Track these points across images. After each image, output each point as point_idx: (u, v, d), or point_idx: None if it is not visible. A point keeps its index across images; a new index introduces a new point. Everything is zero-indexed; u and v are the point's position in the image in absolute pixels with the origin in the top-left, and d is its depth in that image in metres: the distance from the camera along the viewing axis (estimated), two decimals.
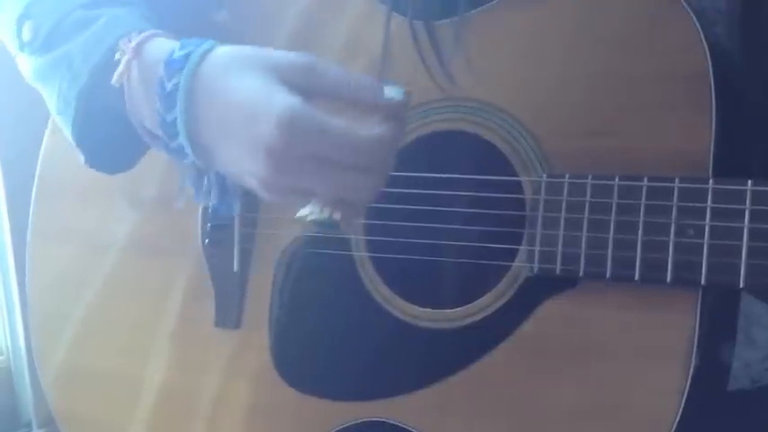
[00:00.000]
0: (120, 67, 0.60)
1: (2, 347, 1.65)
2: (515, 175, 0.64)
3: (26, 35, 0.69)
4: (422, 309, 0.68)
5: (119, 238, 0.82)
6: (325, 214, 0.55)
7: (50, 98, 0.67)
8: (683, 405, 0.57)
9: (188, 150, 0.58)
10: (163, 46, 0.60)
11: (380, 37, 0.66)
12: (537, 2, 0.64)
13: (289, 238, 0.72)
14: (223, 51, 0.58)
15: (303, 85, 0.55)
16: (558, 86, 0.63)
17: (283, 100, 0.54)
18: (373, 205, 0.65)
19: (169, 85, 0.57)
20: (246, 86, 0.55)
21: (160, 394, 0.80)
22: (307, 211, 0.56)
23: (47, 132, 0.85)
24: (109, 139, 0.65)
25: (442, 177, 0.67)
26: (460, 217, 0.67)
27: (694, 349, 0.57)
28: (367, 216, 0.69)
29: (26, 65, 0.69)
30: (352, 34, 0.70)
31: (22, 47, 0.69)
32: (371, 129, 0.54)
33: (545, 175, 0.62)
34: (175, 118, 0.57)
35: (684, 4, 0.60)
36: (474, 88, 0.66)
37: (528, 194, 0.63)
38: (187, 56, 0.57)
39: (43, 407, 1.59)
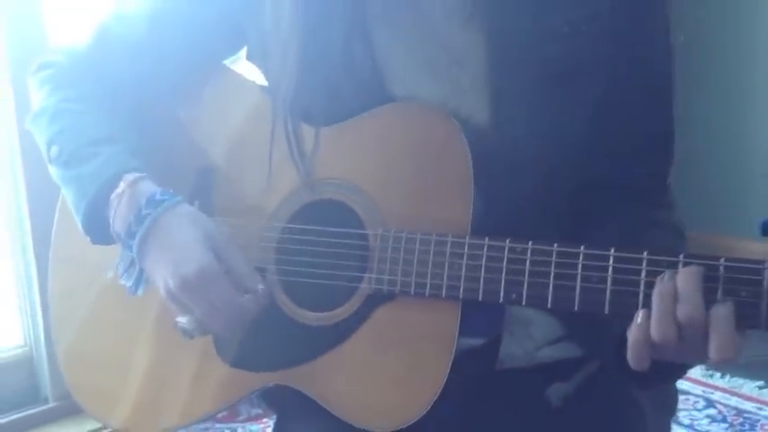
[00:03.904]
0: (119, 189, 0.94)
1: (25, 340, 1.99)
2: (365, 229, 0.94)
3: (53, 154, 1.01)
4: (310, 312, 0.96)
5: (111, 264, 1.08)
6: (191, 326, 0.93)
7: (68, 199, 1.01)
8: (447, 373, 0.86)
9: (135, 251, 0.93)
10: (150, 187, 0.94)
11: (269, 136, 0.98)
12: (367, 121, 0.94)
13: None
14: (185, 208, 0.94)
15: (217, 251, 0.92)
16: (383, 175, 0.92)
17: (206, 256, 0.91)
18: (284, 246, 0.98)
19: (144, 213, 0.91)
20: (188, 236, 0.92)
21: (143, 369, 1.06)
22: (184, 320, 0.93)
23: None
24: (103, 230, 0.98)
25: (320, 229, 0.96)
26: (332, 255, 0.95)
27: (455, 340, 0.87)
28: (277, 254, 0.99)
29: (53, 172, 1.02)
30: (249, 132, 1.02)
31: (50, 161, 1.02)
32: (243, 300, 0.92)
33: (380, 230, 0.92)
34: (137, 232, 0.91)
35: (455, 123, 0.89)
36: (338, 172, 0.96)
37: (371, 242, 0.92)
38: (163, 200, 0.92)
39: (57, 386, 1.90)
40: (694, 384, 2.02)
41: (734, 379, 2.04)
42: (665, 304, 0.77)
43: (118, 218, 0.95)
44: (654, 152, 1.00)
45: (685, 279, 0.76)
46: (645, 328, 0.78)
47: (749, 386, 2.01)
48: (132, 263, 0.96)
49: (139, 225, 0.93)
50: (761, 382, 2.02)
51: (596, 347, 0.97)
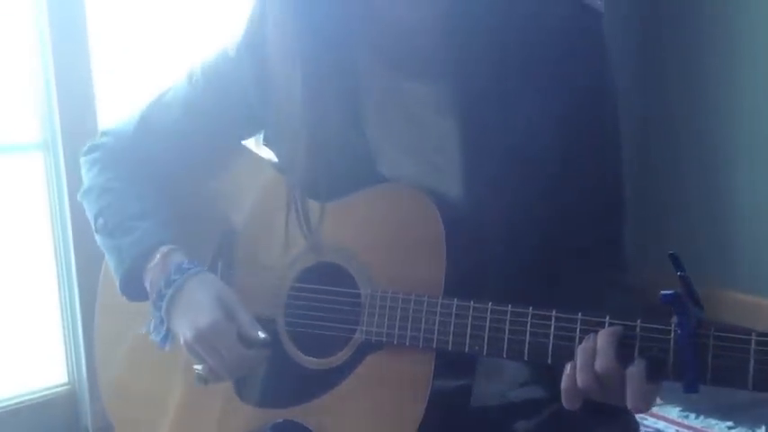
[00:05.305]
0: (154, 261, 1.14)
1: (69, 378, 2.17)
2: (357, 288, 1.10)
3: (99, 225, 1.21)
4: (311, 358, 1.12)
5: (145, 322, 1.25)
6: (204, 372, 1.12)
7: (109, 262, 1.21)
8: (424, 412, 1.02)
9: (163, 310, 1.12)
10: (179, 257, 1.14)
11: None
12: (359, 199, 1.10)
13: None
14: (207, 276, 1.13)
15: (227, 309, 1.10)
16: (371, 243, 1.10)
17: (217, 313, 1.09)
18: (291, 302, 1.16)
19: (173, 278, 1.11)
20: (205, 297, 1.11)
21: (176, 406, 1.22)
22: (199, 367, 1.12)
23: None
24: (135, 292, 1.18)
25: (321, 288, 1.14)
26: (330, 310, 1.11)
27: (430, 383, 1.03)
28: (286, 308, 1.16)
29: (98, 239, 1.22)
30: (265, 208, 1.21)
31: (96, 230, 1.22)
32: (247, 352, 1.10)
33: (369, 290, 1.09)
34: (166, 294, 1.11)
35: (431, 202, 1.05)
36: (337, 240, 1.13)
37: (362, 300, 1.08)
38: (188, 269, 1.12)
39: (97, 419, 2.07)
40: (669, 424, 2.16)
41: (707, 420, 2.18)
42: (585, 358, 0.94)
43: (152, 283, 1.15)
44: (607, 220, 1.16)
45: (603, 337, 0.93)
46: (572, 377, 0.95)
47: (720, 426, 2.15)
48: (161, 321, 1.16)
49: (168, 288, 1.13)
50: (730, 423, 2.16)
51: (559, 390, 1.12)
